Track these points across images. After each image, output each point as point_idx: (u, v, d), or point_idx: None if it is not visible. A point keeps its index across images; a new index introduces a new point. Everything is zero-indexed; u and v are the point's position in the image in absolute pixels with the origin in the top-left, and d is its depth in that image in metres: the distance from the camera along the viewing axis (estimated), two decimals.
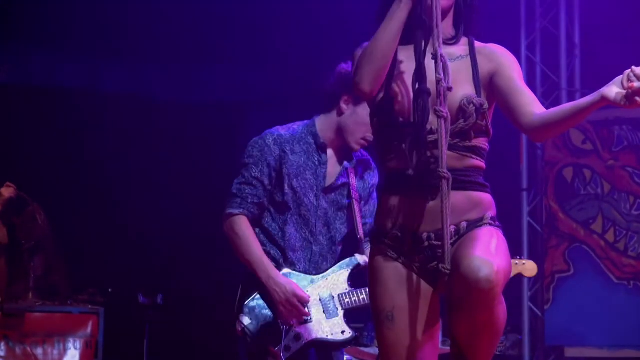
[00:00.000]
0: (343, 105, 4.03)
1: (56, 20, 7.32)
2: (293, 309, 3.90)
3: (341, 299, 4.01)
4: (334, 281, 4.03)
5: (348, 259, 4.09)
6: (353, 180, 4.12)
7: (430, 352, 3.01)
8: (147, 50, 7.75)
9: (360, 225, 4.09)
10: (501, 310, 2.85)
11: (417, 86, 2.90)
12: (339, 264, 4.07)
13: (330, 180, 4.06)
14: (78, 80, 7.91)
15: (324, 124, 4.08)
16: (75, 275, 6.80)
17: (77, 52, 7.80)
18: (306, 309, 3.93)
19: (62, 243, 7.01)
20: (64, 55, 7.79)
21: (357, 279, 4.08)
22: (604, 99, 2.79)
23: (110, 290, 6.56)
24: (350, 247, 4.16)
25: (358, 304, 4.03)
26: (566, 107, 2.94)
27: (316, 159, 4.05)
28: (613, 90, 2.77)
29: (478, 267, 2.74)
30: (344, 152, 4.11)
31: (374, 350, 6.02)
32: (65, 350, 5.88)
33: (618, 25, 7.10)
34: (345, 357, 5.74)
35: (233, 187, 3.98)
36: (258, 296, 3.95)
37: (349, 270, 4.06)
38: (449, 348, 2.97)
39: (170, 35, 7.57)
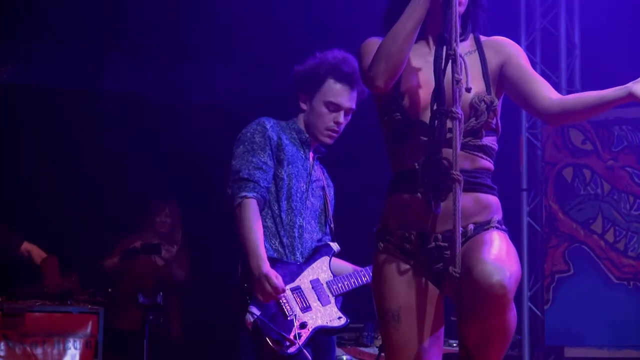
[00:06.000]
0: (302, 104, 4.16)
1: (56, 20, 7.32)
2: (265, 292, 3.87)
3: (330, 286, 4.07)
4: (319, 268, 4.07)
5: (324, 246, 4.15)
6: (322, 178, 4.24)
7: (435, 352, 3.00)
8: (148, 50, 7.75)
9: (331, 216, 4.18)
10: (512, 315, 2.83)
11: (435, 107, 2.87)
12: (318, 252, 4.11)
13: (312, 175, 4.17)
14: (78, 80, 7.91)
15: (300, 123, 4.19)
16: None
17: (78, 52, 7.80)
18: (285, 294, 3.94)
19: (61, 242, 7.01)
20: (64, 55, 7.78)
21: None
22: (630, 95, 2.78)
23: (110, 290, 6.56)
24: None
25: (345, 289, 4.10)
26: (589, 97, 2.89)
27: (302, 153, 4.14)
28: None
29: (491, 273, 2.73)
30: (316, 150, 4.23)
31: (374, 350, 6.02)
32: (65, 350, 5.87)
33: (618, 25, 7.10)
34: (345, 357, 5.76)
35: (242, 172, 4.00)
36: None
37: (329, 258, 4.11)
38: (449, 348, 2.97)
39: (170, 35, 7.57)
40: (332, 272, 4.09)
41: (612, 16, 7.15)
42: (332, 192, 4.32)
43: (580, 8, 7.60)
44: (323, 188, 4.20)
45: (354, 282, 4.09)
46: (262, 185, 3.99)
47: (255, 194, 3.97)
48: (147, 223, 7.26)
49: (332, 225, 4.20)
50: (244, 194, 3.96)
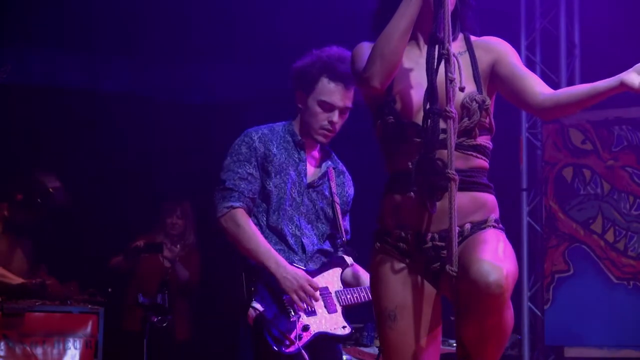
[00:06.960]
0: (298, 102, 4.12)
1: (56, 20, 7.32)
2: (306, 295, 3.90)
3: (338, 295, 4.05)
4: (330, 278, 4.07)
5: (338, 258, 4.13)
6: (333, 183, 4.18)
7: (433, 352, 3.01)
8: (147, 50, 7.75)
9: (342, 228, 4.15)
10: (509, 314, 2.84)
11: (427, 106, 2.87)
12: (331, 262, 4.11)
13: (311, 179, 4.12)
14: (78, 80, 7.91)
15: (297, 123, 4.15)
16: (75, 275, 6.81)
17: (77, 52, 7.80)
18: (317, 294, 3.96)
19: (63, 243, 7.02)
20: (64, 56, 7.79)
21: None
22: (622, 85, 2.79)
23: (110, 290, 6.56)
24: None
25: (354, 302, 4.08)
26: (581, 89, 2.93)
27: (296, 156, 4.10)
28: (632, 77, 2.77)
29: (488, 272, 2.74)
30: (323, 153, 4.19)
31: (374, 350, 6.02)
32: (65, 350, 5.87)
33: (618, 25, 7.10)
34: (345, 357, 5.76)
35: (227, 182, 4.00)
36: (263, 285, 3.95)
37: (341, 269, 4.10)
38: (449, 348, 2.97)
39: (170, 35, 7.57)
40: (342, 284, 4.09)
41: (612, 16, 7.14)
42: (350, 194, 4.24)
43: (580, 8, 7.60)
44: (330, 193, 4.16)
45: (364, 297, 4.08)
46: (246, 195, 3.98)
47: (241, 204, 3.97)
48: (158, 224, 7.24)
49: (344, 238, 4.15)
50: (230, 203, 3.96)
